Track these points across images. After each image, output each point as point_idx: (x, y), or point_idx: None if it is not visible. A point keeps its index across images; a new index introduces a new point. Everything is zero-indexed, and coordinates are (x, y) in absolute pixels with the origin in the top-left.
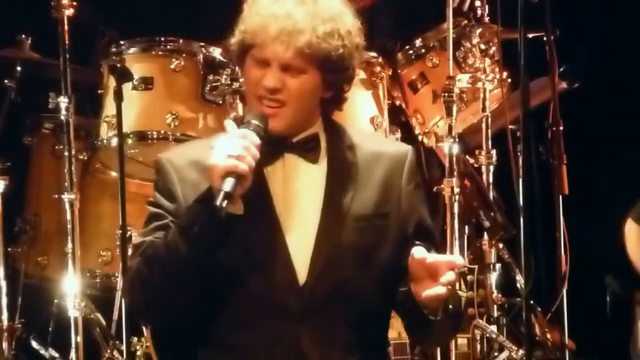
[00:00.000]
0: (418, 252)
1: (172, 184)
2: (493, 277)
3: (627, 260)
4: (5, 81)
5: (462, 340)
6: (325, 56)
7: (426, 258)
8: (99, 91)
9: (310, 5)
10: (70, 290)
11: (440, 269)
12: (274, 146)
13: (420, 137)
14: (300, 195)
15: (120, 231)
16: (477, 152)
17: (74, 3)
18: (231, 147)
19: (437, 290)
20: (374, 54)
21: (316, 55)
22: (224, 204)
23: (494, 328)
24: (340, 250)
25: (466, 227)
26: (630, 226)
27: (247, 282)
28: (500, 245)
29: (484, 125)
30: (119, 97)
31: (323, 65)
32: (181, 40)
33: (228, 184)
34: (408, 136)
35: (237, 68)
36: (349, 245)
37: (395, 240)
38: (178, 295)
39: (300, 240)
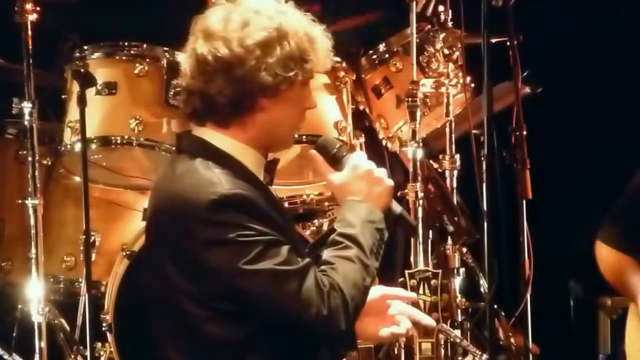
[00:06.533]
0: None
1: (268, 211)
2: (457, 282)
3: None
4: None
5: (426, 345)
6: None
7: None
8: (63, 96)
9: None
10: (34, 295)
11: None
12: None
13: (384, 142)
14: None
15: (84, 236)
16: (440, 156)
17: (37, 8)
18: (383, 172)
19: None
20: (337, 58)
21: None
22: None
23: (457, 332)
24: None
25: (430, 231)
26: (599, 247)
27: None
28: (464, 250)
29: (447, 130)
30: (82, 102)
31: None
32: (145, 45)
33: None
34: (372, 141)
35: None
36: None
37: None
38: None
39: None
